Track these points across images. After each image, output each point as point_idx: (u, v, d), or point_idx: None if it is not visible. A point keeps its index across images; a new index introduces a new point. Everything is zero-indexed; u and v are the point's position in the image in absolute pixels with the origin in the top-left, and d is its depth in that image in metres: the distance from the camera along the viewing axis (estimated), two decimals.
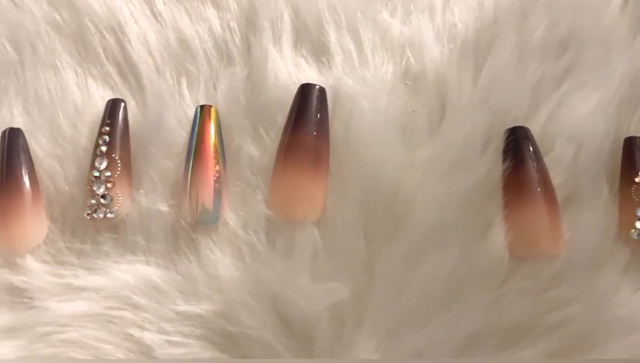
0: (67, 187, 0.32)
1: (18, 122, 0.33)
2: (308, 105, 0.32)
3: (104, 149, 0.31)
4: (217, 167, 0.31)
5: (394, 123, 0.33)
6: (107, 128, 0.32)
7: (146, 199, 0.31)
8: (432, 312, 0.30)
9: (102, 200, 0.31)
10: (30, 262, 0.30)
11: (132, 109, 0.33)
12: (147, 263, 0.30)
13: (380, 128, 0.32)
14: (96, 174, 0.31)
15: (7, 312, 0.30)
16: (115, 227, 0.31)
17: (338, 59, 0.34)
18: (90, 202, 0.31)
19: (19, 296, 0.30)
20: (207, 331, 0.29)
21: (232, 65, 0.34)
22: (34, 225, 0.31)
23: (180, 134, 0.32)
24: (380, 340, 0.29)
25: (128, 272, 0.30)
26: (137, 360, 0.29)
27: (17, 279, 0.30)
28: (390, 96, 0.33)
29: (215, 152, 0.31)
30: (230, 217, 0.31)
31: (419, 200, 0.31)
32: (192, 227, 0.31)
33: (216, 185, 0.31)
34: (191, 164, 0.31)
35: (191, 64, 0.34)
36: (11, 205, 0.30)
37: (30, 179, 0.31)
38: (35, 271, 0.30)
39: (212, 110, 0.32)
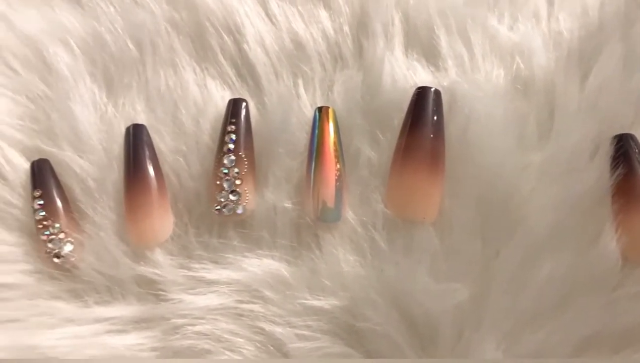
0: (192, 183, 0.32)
1: (141, 119, 0.33)
2: (424, 107, 0.32)
3: (231, 146, 0.32)
4: (338, 166, 0.32)
5: (508, 127, 0.33)
6: (233, 126, 0.32)
7: (272, 196, 0.32)
8: (548, 314, 0.30)
9: (231, 197, 0.31)
10: (160, 256, 0.31)
11: (251, 109, 0.34)
12: (274, 257, 0.31)
13: (494, 131, 0.33)
14: (225, 170, 0.31)
15: (138, 303, 0.31)
16: (241, 223, 0.32)
17: (450, 62, 0.35)
18: (219, 198, 0.31)
19: (152, 288, 0.31)
20: (334, 326, 0.30)
21: (346, 68, 0.35)
22: (162, 220, 0.31)
23: (302, 134, 0.33)
24: (499, 341, 0.30)
25: (257, 266, 0.31)
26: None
27: (149, 272, 0.31)
28: (502, 100, 0.34)
29: (335, 151, 0.32)
30: (350, 215, 0.32)
31: (533, 204, 0.32)
32: (315, 223, 0.32)
33: (337, 184, 0.31)
34: (313, 163, 0.32)
35: (306, 65, 0.35)
36: (139, 200, 0.31)
37: (156, 174, 0.32)
38: (166, 264, 0.31)
39: (330, 111, 0.33)
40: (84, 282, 0.31)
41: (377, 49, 0.35)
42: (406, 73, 0.34)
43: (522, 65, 0.35)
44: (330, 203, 0.31)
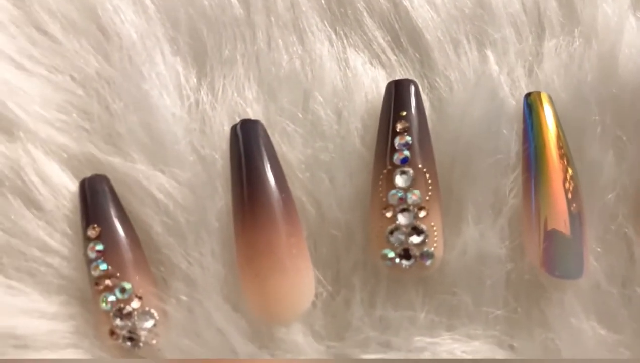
0: (339, 214, 0.20)
1: (254, 111, 0.22)
2: None
3: (406, 154, 0.20)
4: (570, 172, 0.20)
5: None
6: (406, 123, 0.21)
7: (474, 236, 0.20)
8: None
9: (413, 238, 0.19)
10: (300, 336, 0.19)
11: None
12: (484, 338, 0.19)
13: None
14: (400, 194, 0.20)
15: None
16: (425, 281, 0.20)
17: None
18: (392, 241, 0.19)
19: None
20: None
21: (555, 36, 0.23)
22: (298, 275, 0.19)
23: (512, 136, 0.21)
24: None
25: (453, 355, 0.19)
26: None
27: None
28: None
29: (560, 148, 0.20)
30: (596, 265, 0.20)
31: None
32: (547, 280, 0.20)
33: (573, 206, 0.20)
34: (533, 181, 0.20)
35: (496, 31, 0.23)
36: (260, 244, 0.19)
37: (284, 200, 0.20)
38: (311, 351, 0.19)
39: (546, 98, 0.21)
40: None
41: (607, 7, 0.23)
42: None
43: None
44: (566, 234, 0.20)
